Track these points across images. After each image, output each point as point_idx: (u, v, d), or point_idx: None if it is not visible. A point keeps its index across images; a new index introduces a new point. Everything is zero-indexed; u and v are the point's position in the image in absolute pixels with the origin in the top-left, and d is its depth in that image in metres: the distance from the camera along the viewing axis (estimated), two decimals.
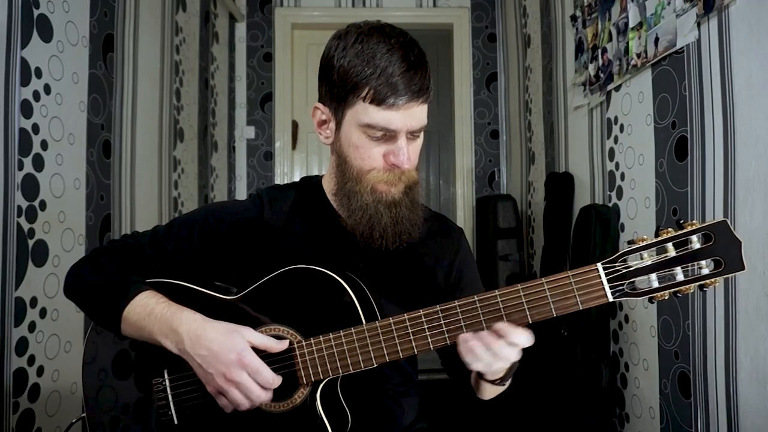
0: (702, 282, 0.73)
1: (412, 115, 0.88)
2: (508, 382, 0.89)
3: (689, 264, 0.73)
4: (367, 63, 0.85)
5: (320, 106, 0.95)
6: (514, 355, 0.79)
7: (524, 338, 0.77)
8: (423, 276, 1.02)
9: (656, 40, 1.58)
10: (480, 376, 0.88)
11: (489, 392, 0.93)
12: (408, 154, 0.89)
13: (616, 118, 1.89)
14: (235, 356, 0.81)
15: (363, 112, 0.87)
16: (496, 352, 0.77)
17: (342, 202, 0.95)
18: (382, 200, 0.91)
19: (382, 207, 0.91)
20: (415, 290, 1.00)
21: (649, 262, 0.74)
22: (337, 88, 0.89)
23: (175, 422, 0.90)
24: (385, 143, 0.89)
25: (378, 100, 0.85)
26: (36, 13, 1.45)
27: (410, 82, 0.85)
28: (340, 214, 1.00)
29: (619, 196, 1.87)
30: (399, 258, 1.00)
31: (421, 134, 0.95)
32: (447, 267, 1.04)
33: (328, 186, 1.01)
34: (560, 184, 2.33)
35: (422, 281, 1.01)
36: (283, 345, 0.85)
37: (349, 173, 0.93)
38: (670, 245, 0.73)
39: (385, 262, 0.99)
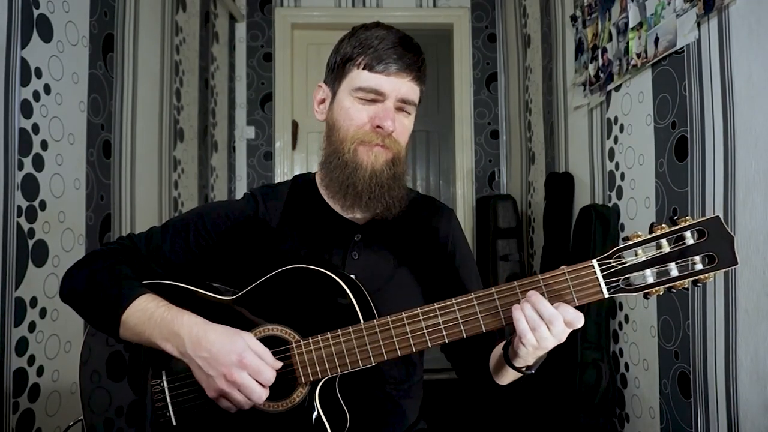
0: (696, 277, 0.73)
1: (402, 84, 0.94)
2: (533, 370, 0.87)
3: (683, 259, 0.73)
4: (365, 39, 0.95)
5: (323, 85, 1.03)
6: (564, 335, 0.77)
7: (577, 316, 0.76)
8: (417, 263, 1.03)
9: (656, 40, 1.58)
10: (507, 362, 0.86)
11: (509, 378, 0.92)
12: (393, 118, 0.94)
13: (616, 118, 1.89)
14: (236, 357, 0.81)
15: (356, 77, 0.95)
16: (552, 325, 0.76)
17: (326, 170, 0.98)
18: (362, 165, 0.94)
19: (361, 172, 0.94)
20: (413, 278, 1.01)
21: (644, 258, 0.75)
22: (338, 65, 0.98)
23: (174, 424, 0.90)
24: (374, 108, 0.94)
25: (370, 66, 0.93)
26: (36, 13, 1.46)
27: (402, 56, 0.94)
28: (332, 206, 1.01)
29: (619, 196, 1.87)
30: (394, 246, 1.01)
31: (412, 116, 0.99)
32: (441, 250, 1.06)
33: (321, 178, 1.03)
34: (560, 184, 2.33)
35: (417, 268, 1.02)
36: (277, 364, 0.84)
37: (335, 137, 0.97)
38: (664, 241, 0.74)
39: (382, 252, 1.00)
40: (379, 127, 0.93)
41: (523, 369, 0.86)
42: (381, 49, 0.93)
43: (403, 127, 0.97)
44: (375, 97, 0.94)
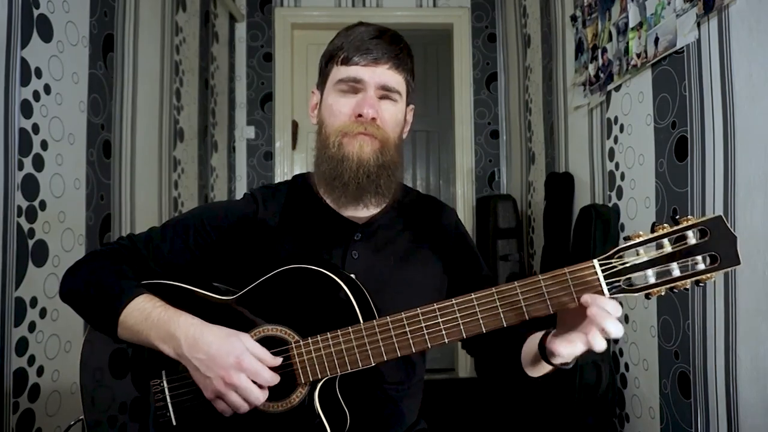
0: (698, 277, 0.72)
1: (380, 72, 0.96)
2: (569, 366, 0.85)
3: (685, 259, 0.73)
4: (345, 37, 0.99)
5: (315, 90, 1.07)
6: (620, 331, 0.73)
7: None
8: (419, 261, 1.02)
9: (656, 40, 1.58)
10: (545, 359, 0.84)
11: (543, 371, 0.89)
12: (375, 105, 0.95)
13: (616, 118, 1.89)
14: (233, 359, 0.81)
15: (336, 72, 0.98)
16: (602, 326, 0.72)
17: (317, 168, 1.01)
18: (348, 156, 0.95)
19: (347, 163, 0.95)
20: (414, 277, 1.01)
21: (645, 258, 0.74)
22: (322, 67, 1.03)
23: (174, 423, 0.90)
24: (355, 99, 0.96)
25: (347, 59, 0.96)
26: (36, 13, 1.46)
27: (377, 45, 0.96)
28: (331, 205, 1.01)
29: (619, 196, 1.87)
30: (394, 245, 1.01)
31: (400, 103, 1.00)
32: (441, 249, 1.05)
33: (314, 174, 1.05)
34: (560, 184, 2.33)
35: (419, 267, 1.02)
36: (277, 360, 0.84)
37: (324, 134, 0.99)
38: (666, 241, 0.73)
39: (382, 251, 1.00)
40: (359, 115, 0.95)
41: (560, 365, 0.84)
42: (356, 42, 0.96)
43: (388, 113, 0.98)
44: (355, 86, 0.96)
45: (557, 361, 0.83)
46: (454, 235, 1.08)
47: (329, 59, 1.00)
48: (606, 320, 0.71)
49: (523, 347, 0.93)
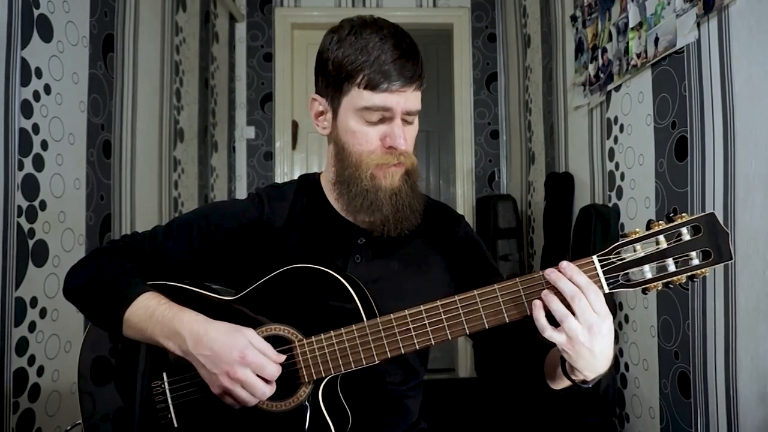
0: (692, 272, 0.75)
1: (406, 98, 0.90)
2: (590, 385, 0.82)
3: (680, 255, 0.75)
4: (360, 51, 0.88)
5: (317, 97, 0.97)
6: (601, 322, 0.74)
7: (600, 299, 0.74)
8: (423, 269, 1.02)
9: (656, 40, 1.59)
10: (565, 374, 0.82)
11: (562, 385, 0.86)
12: (404, 135, 0.91)
13: (616, 118, 1.89)
14: (238, 354, 0.81)
15: (359, 97, 0.89)
16: (578, 309, 0.73)
17: (341, 191, 0.96)
18: (382, 188, 0.92)
19: (382, 195, 0.92)
20: (416, 284, 1.00)
21: (642, 254, 0.76)
22: (333, 78, 0.92)
23: (175, 425, 0.90)
24: (381, 126, 0.92)
25: (372, 86, 0.88)
26: (36, 13, 1.46)
27: (402, 68, 0.88)
28: (337, 209, 1.00)
29: (619, 196, 1.87)
30: (399, 252, 1.00)
31: (416, 121, 0.97)
32: (449, 257, 1.04)
33: (327, 180, 1.02)
34: (560, 184, 2.33)
35: (423, 275, 1.01)
36: (281, 357, 0.84)
37: (348, 160, 0.94)
38: (661, 237, 0.75)
39: (385, 257, 0.99)
40: (391, 147, 0.91)
41: (579, 382, 0.82)
42: (381, 64, 0.87)
43: (410, 136, 0.95)
44: (383, 114, 0.90)
45: (577, 376, 0.80)
46: (466, 244, 1.06)
47: (345, 77, 0.90)
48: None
49: (548, 357, 0.91)
